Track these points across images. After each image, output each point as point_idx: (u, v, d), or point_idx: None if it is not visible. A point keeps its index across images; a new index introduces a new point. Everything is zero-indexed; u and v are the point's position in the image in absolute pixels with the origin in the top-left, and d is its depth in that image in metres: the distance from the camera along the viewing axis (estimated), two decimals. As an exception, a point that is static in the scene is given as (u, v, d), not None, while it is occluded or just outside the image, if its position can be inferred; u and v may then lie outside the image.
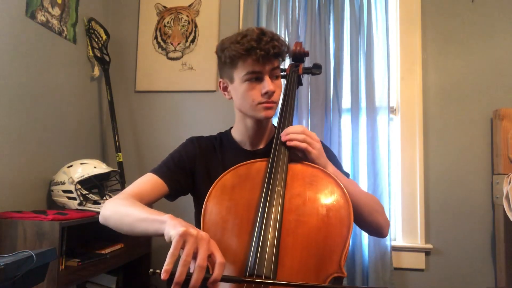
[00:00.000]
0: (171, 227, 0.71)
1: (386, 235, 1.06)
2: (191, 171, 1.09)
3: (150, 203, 1.00)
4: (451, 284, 1.94)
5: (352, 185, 1.00)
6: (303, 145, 0.95)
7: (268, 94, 0.99)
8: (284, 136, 0.97)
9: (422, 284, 1.96)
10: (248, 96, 1.01)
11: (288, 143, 0.96)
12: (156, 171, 1.05)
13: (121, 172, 1.99)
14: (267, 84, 0.98)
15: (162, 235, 0.74)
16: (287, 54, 1.05)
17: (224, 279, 0.68)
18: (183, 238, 0.66)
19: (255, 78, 0.99)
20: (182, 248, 0.66)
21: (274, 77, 1.02)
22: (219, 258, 0.67)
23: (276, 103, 1.03)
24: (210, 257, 0.68)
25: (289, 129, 0.98)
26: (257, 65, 0.97)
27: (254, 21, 2.11)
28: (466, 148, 1.99)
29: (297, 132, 0.96)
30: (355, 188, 1.01)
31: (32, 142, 1.70)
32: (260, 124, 1.08)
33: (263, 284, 0.74)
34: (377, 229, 1.04)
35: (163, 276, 0.62)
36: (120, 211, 0.90)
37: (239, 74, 1.00)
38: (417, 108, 2.03)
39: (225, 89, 1.08)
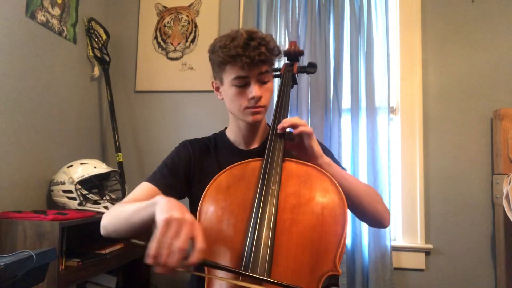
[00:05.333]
0: (159, 210, 0.72)
1: (388, 225, 1.05)
2: (186, 175, 1.09)
3: None
4: (451, 284, 1.94)
5: (350, 176, 1.01)
6: (303, 128, 0.94)
7: (255, 100, 0.98)
8: (280, 125, 0.97)
9: (422, 284, 1.96)
10: (235, 101, 1.01)
11: (285, 131, 0.96)
12: (150, 179, 1.06)
13: (121, 172, 1.99)
14: (253, 90, 0.97)
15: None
16: (279, 56, 1.03)
17: (206, 263, 0.70)
18: (168, 223, 0.68)
19: (242, 83, 0.99)
20: None
21: (263, 81, 1.01)
22: (199, 243, 0.67)
23: (265, 107, 1.02)
24: (192, 241, 0.68)
25: (284, 120, 0.98)
26: (243, 70, 0.96)
27: (254, 21, 2.11)
28: (466, 148, 1.99)
29: (294, 120, 0.96)
30: (353, 179, 1.01)
31: (32, 142, 1.70)
32: (253, 125, 1.08)
33: (256, 280, 0.73)
34: (379, 219, 1.03)
35: (149, 261, 0.65)
36: (116, 213, 0.92)
37: (227, 78, 1.00)
38: (417, 108, 2.03)
39: (217, 89, 1.09)
